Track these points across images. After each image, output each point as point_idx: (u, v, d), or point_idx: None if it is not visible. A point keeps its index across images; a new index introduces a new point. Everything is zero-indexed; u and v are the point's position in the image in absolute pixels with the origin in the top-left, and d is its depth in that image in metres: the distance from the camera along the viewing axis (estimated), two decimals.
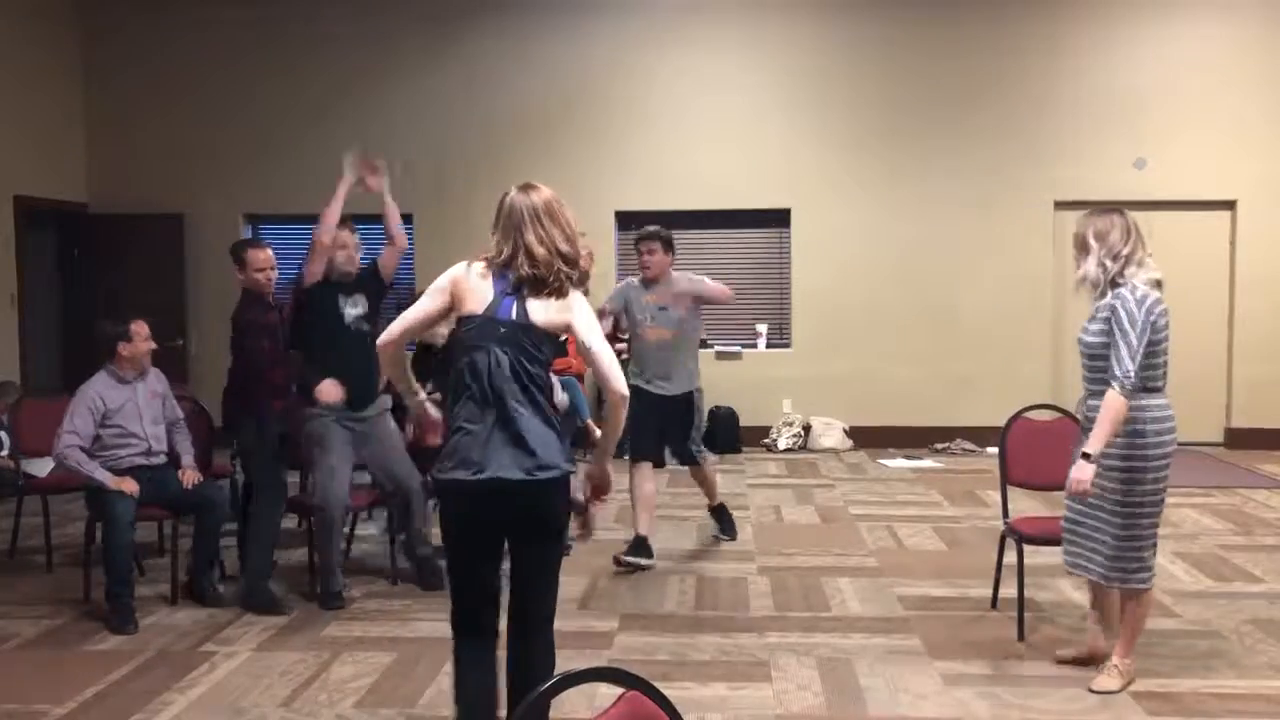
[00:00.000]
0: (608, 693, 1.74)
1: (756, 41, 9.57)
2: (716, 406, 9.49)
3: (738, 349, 9.72)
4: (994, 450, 5.05)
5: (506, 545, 3.12)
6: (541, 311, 3.01)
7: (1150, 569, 3.86)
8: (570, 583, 5.26)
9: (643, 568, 5.49)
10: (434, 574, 5.14)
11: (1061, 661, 4.17)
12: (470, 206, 9.60)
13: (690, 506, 7.14)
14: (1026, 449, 4.72)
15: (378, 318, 5.05)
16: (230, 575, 5.41)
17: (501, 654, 3.16)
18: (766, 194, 9.60)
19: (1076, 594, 5.08)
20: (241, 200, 9.87)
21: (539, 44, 9.64)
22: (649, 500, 5.67)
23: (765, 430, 9.53)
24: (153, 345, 5.15)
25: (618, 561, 5.50)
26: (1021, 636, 4.46)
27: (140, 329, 5.09)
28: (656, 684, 1.79)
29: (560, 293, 3.03)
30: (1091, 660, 4.08)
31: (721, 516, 6.20)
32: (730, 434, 9.36)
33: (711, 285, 5.81)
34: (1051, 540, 4.64)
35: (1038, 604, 4.90)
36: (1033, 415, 4.86)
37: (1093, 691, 3.89)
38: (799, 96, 9.56)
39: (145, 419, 5.07)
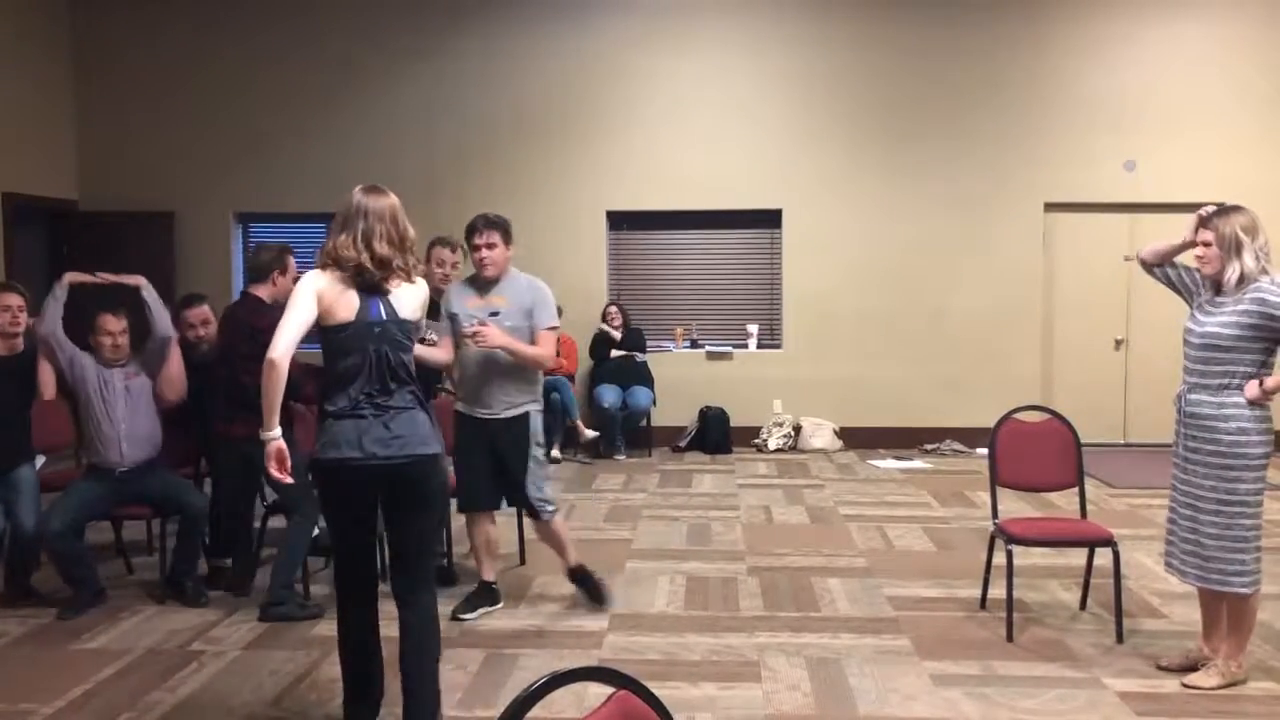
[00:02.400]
0: (597, 692, 1.74)
1: (748, 42, 9.57)
2: (707, 407, 9.51)
3: (728, 349, 9.73)
4: (983, 451, 5.08)
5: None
6: (407, 304, 3.39)
7: (1253, 573, 3.81)
8: (560, 581, 5.28)
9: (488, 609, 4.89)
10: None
11: (1164, 669, 4.11)
12: (462, 206, 9.59)
13: (680, 506, 7.15)
14: (1016, 450, 4.72)
15: None
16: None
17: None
18: (758, 194, 9.61)
19: (1065, 594, 5.10)
20: (232, 198, 9.85)
21: (531, 43, 9.63)
22: (490, 546, 4.87)
23: (755, 430, 9.54)
24: (116, 343, 5.00)
25: (455, 617, 4.73)
26: (1010, 637, 4.47)
27: (104, 323, 5.00)
28: (646, 684, 1.79)
29: (409, 279, 3.42)
30: (1196, 666, 4.06)
31: (585, 582, 4.98)
32: (721, 434, 9.37)
33: (544, 335, 4.67)
34: (1039, 541, 4.68)
35: (1026, 604, 4.92)
36: (1022, 416, 4.87)
37: (1185, 686, 3.92)
38: (790, 97, 9.57)
39: (120, 409, 4.94)
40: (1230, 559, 3.79)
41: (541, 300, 4.70)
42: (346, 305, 3.28)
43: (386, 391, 3.31)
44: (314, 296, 3.27)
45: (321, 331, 3.31)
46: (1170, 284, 4.11)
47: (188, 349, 5.28)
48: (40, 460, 5.72)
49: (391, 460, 3.28)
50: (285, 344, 3.23)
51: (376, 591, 3.53)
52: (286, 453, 3.36)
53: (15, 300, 5.07)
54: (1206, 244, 3.87)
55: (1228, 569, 3.80)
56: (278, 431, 3.34)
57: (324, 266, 3.31)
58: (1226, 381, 3.79)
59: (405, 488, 3.35)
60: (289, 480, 3.37)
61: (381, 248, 3.30)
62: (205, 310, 5.42)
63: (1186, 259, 4.10)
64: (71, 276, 5.10)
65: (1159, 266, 4.14)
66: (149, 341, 5.08)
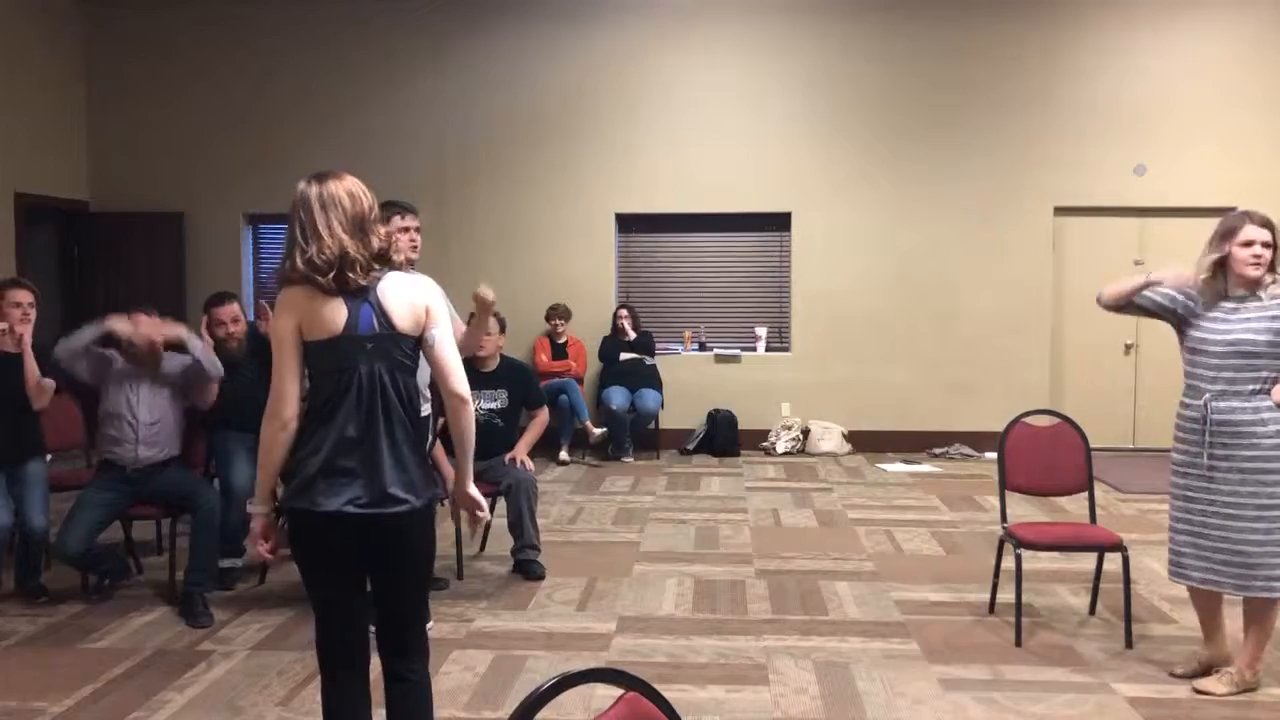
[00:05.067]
0: (605, 694, 1.73)
1: (757, 45, 9.57)
2: (716, 409, 9.50)
3: (737, 352, 9.72)
4: (992, 455, 5.06)
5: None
6: (405, 310, 2.77)
7: None
8: (568, 584, 5.28)
9: None
10: None
11: (1177, 676, 4.09)
12: (470, 207, 9.64)
13: (688, 509, 7.14)
14: (1025, 454, 4.72)
15: None
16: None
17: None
18: (767, 197, 9.61)
19: (1074, 599, 5.08)
20: (242, 200, 9.87)
21: (539, 46, 9.64)
22: None
23: (764, 434, 9.53)
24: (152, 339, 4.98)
25: None
26: (1019, 642, 4.46)
27: (138, 321, 4.98)
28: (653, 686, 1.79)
29: (390, 265, 2.79)
30: (1207, 671, 4.05)
31: None
32: (729, 437, 9.36)
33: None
34: (1049, 546, 4.67)
35: (1035, 609, 4.91)
36: (1032, 420, 4.86)
37: (1196, 691, 3.91)
38: (800, 100, 9.56)
39: (144, 412, 4.96)
40: (1277, 564, 3.76)
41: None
42: (331, 315, 2.70)
43: (376, 423, 2.71)
44: (296, 326, 2.71)
45: (303, 345, 2.76)
46: (1157, 308, 4.01)
47: (217, 346, 5.29)
48: (49, 459, 5.72)
49: (396, 511, 2.72)
50: (296, 397, 2.71)
51: (369, 669, 2.87)
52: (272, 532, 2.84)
53: (26, 297, 5.10)
54: (1268, 245, 3.81)
55: (1274, 574, 3.77)
56: (269, 506, 2.80)
57: (290, 283, 2.74)
58: (1259, 386, 3.77)
59: (406, 542, 2.80)
60: (270, 558, 2.87)
61: (334, 242, 2.68)
62: (235, 308, 5.41)
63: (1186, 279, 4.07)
64: (114, 323, 4.93)
65: (1129, 302, 4.04)
66: (197, 376, 5.09)
